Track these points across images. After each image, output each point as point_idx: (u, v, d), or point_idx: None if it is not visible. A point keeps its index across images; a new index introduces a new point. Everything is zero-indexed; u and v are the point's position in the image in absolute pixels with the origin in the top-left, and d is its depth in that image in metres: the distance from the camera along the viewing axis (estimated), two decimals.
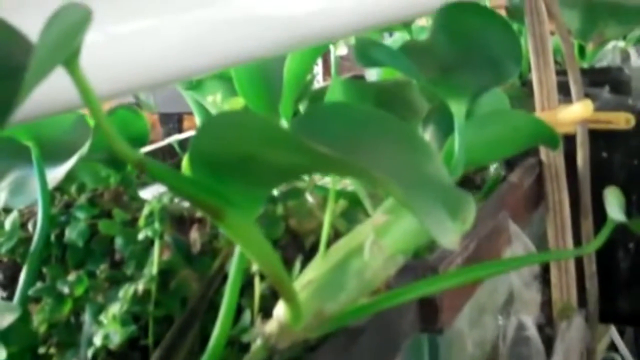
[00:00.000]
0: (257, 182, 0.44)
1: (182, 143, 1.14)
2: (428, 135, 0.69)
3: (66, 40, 0.31)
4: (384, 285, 0.58)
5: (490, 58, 0.62)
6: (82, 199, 0.72)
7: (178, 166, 1.02)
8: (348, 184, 0.80)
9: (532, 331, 0.84)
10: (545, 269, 0.93)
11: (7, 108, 0.29)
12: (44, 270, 0.69)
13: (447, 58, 0.62)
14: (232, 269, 0.51)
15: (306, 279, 0.53)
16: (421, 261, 0.64)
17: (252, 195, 0.45)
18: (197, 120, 1.10)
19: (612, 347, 1.44)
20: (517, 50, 0.62)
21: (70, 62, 0.34)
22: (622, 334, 1.45)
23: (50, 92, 0.39)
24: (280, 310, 0.52)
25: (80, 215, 0.70)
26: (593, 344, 0.99)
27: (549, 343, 0.91)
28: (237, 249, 0.52)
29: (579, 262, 0.95)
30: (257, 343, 0.53)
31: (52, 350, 0.66)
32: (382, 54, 0.62)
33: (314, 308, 0.52)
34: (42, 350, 0.65)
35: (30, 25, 0.33)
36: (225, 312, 0.52)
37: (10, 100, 0.29)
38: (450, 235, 0.45)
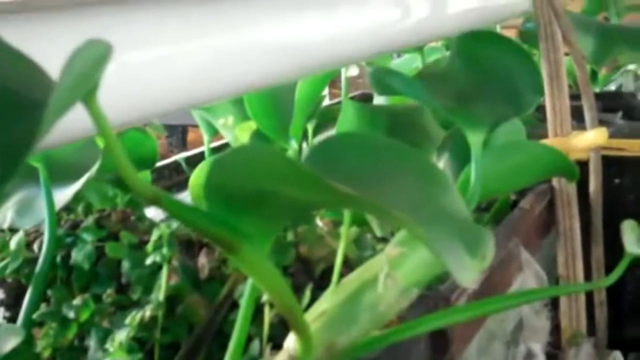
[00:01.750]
0: (272, 216, 0.43)
1: (189, 159, 1.13)
2: (442, 163, 0.68)
3: (87, 76, 0.31)
4: (396, 316, 0.57)
5: (510, 88, 0.61)
6: (89, 220, 0.71)
7: (185, 183, 1.02)
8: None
9: (541, 358, 0.83)
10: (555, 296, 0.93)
11: (29, 143, 0.28)
12: (49, 291, 0.68)
13: (465, 87, 0.62)
14: (244, 298, 0.50)
15: (318, 311, 0.52)
16: (433, 292, 0.63)
17: (267, 229, 0.44)
18: (205, 136, 1.09)
19: None
20: (538, 81, 0.61)
21: (89, 97, 0.33)
22: (625, 358, 1.44)
23: (64, 122, 0.38)
24: (291, 342, 0.51)
25: (87, 237, 0.69)
26: None
27: None
28: (249, 281, 0.51)
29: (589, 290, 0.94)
30: None
31: None
32: (398, 83, 0.61)
33: (325, 341, 0.51)
34: None
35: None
36: (236, 341, 0.51)
37: (31, 136, 0.29)
38: (469, 273, 0.44)
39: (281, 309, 0.48)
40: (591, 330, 0.95)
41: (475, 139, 0.60)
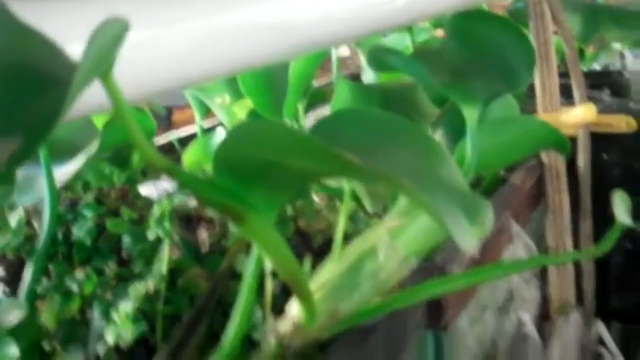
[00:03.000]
0: (278, 187, 0.45)
1: (181, 139, 1.14)
2: (437, 138, 0.69)
3: (106, 54, 0.32)
4: (395, 285, 0.59)
5: (504, 65, 0.62)
6: (89, 197, 0.72)
7: (177, 161, 1.03)
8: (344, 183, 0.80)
9: (531, 328, 0.85)
10: (544, 267, 0.94)
11: (54, 117, 0.30)
12: (50, 267, 0.69)
13: (460, 64, 0.63)
14: (249, 268, 0.52)
15: (321, 280, 0.54)
16: (430, 263, 0.64)
17: (273, 200, 0.45)
18: (197, 116, 1.10)
19: (600, 341, 1.46)
20: (531, 57, 0.62)
21: (106, 74, 0.34)
22: (609, 328, 1.47)
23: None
24: (295, 309, 0.53)
25: (88, 213, 0.70)
26: (588, 339, 1.00)
27: (546, 339, 0.92)
28: (254, 250, 0.53)
29: (577, 261, 0.96)
30: (271, 342, 0.53)
31: (57, 347, 0.66)
32: (396, 60, 0.62)
33: (328, 308, 0.53)
34: (47, 346, 0.66)
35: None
36: (242, 310, 0.52)
37: (57, 110, 0.30)
38: (469, 239, 0.45)
39: (286, 277, 0.50)
40: (579, 300, 0.97)
41: (470, 113, 0.61)
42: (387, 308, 0.56)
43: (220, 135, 0.99)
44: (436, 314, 0.65)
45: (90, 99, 0.40)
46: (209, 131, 1.06)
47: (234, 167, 0.43)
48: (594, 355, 1.43)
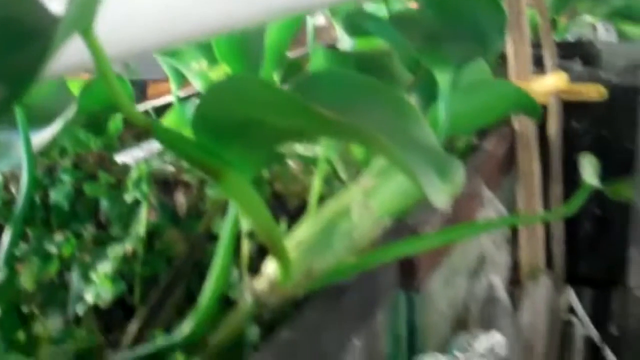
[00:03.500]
0: (256, 144, 0.46)
1: (157, 109, 1.15)
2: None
3: (89, 9, 0.32)
4: (369, 245, 0.60)
5: (476, 30, 0.63)
6: (67, 162, 0.73)
7: None
8: (318, 149, 0.81)
9: (501, 291, 0.87)
10: (515, 232, 0.97)
11: (37, 68, 0.30)
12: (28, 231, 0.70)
13: (434, 30, 0.64)
14: (225, 228, 0.53)
15: (297, 239, 0.55)
16: (402, 223, 0.66)
17: (251, 157, 0.46)
18: (173, 85, 1.10)
19: (570, 309, 1.49)
20: (502, 22, 0.63)
21: (87, 29, 0.35)
22: (579, 296, 1.50)
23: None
24: (271, 268, 0.54)
25: (66, 177, 0.71)
26: (557, 303, 1.02)
27: (516, 302, 0.94)
28: (231, 211, 0.54)
29: (547, 226, 0.98)
30: (247, 299, 0.54)
31: (35, 309, 0.67)
32: (372, 25, 0.63)
33: (303, 266, 0.54)
34: (26, 309, 0.66)
35: None
36: (219, 269, 0.53)
37: (39, 62, 0.30)
38: (442, 196, 0.47)
39: (263, 235, 0.51)
40: (549, 265, 0.99)
41: (443, 77, 0.62)
42: (360, 267, 0.57)
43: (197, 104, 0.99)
44: (409, 274, 0.67)
45: (71, 57, 0.40)
46: (185, 100, 1.06)
47: (212, 124, 0.44)
48: (564, 321, 1.47)
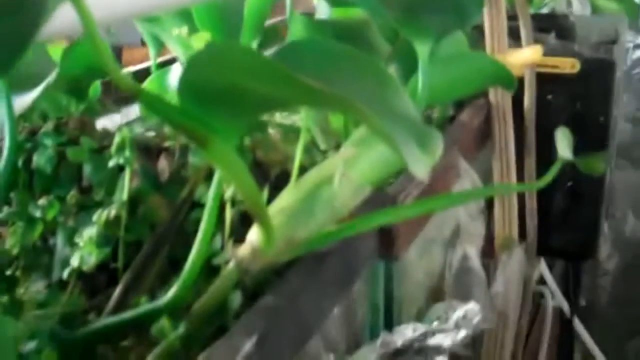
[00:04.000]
0: (241, 111, 0.47)
1: (135, 74, 1.15)
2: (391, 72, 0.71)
3: None
4: (349, 214, 0.62)
5: (455, 2, 0.65)
6: (49, 126, 0.73)
7: (131, 97, 1.03)
8: (297, 119, 0.82)
9: (476, 262, 0.88)
10: (490, 204, 0.98)
11: (32, 31, 0.31)
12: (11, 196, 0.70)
13: (413, 0, 0.65)
14: (210, 194, 0.54)
15: (279, 207, 0.56)
16: (382, 193, 0.67)
17: (236, 124, 0.47)
18: (151, 51, 1.10)
19: (541, 281, 1.52)
20: None
21: None
22: (550, 268, 1.53)
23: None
24: (254, 235, 0.55)
25: (48, 142, 0.71)
26: (530, 274, 1.05)
27: (490, 273, 0.96)
28: (216, 178, 0.54)
29: (521, 198, 1.00)
30: (230, 266, 0.56)
31: (20, 273, 0.67)
32: None
33: (285, 234, 0.55)
34: (9, 273, 0.67)
35: None
36: (203, 235, 0.54)
37: (33, 25, 0.31)
38: (422, 166, 0.48)
39: (247, 202, 0.52)
40: (522, 237, 1.01)
41: (422, 48, 0.63)
42: (340, 235, 0.59)
43: (177, 70, 1.00)
44: (388, 243, 0.68)
45: (59, 21, 0.41)
46: (163, 66, 1.06)
47: (197, 90, 0.45)
48: (535, 292, 1.50)
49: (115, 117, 0.92)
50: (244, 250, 0.55)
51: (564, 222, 1.07)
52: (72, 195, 0.67)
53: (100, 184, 0.68)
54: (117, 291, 0.62)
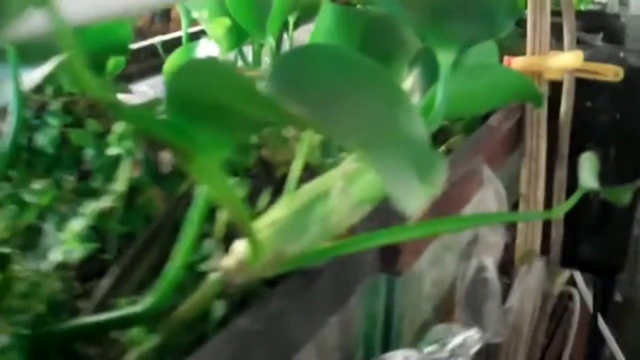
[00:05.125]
0: (228, 129, 0.44)
1: (166, 43, 1.12)
2: (413, 77, 0.68)
3: None
4: (348, 230, 0.59)
5: (486, 9, 0.60)
6: (56, 104, 0.71)
7: (160, 67, 1.01)
8: None
9: (492, 273, 0.85)
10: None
11: None
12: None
13: (440, 4, 0.61)
14: (199, 194, 0.51)
15: (271, 218, 0.54)
16: (387, 207, 0.63)
17: (222, 142, 0.45)
18: (183, 21, 1.08)
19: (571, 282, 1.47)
20: (514, 3, 0.60)
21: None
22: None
23: None
24: (240, 245, 0.53)
25: (53, 121, 0.69)
26: (551, 289, 1.00)
27: (507, 286, 0.93)
28: None
29: (547, 208, 0.95)
30: (214, 277, 0.53)
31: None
32: None
33: (275, 248, 0.53)
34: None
35: None
36: (188, 239, 0.52)
37: None
38: (415, 200, 0.45)
39: (232, 217, 0.49)
40: (544, 249, 0.97)
41: (445, 58, 0.59)
42: (335, 252, 0.56)
43: (203, 46, 0.97)
44: (391, 258, 0.65)
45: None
46: (195, 37, 1.04)
47: (183, 104, 0.42)
48: (563, 294, 1.45)
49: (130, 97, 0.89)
50: (229, 261, 0.53)
51: (593, 234, 1.02)
52: (69, 181, 0.65)
53: (100, 170, 0.66)
54: (105, 283, 0.60)
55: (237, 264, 0.52)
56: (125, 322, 0.53)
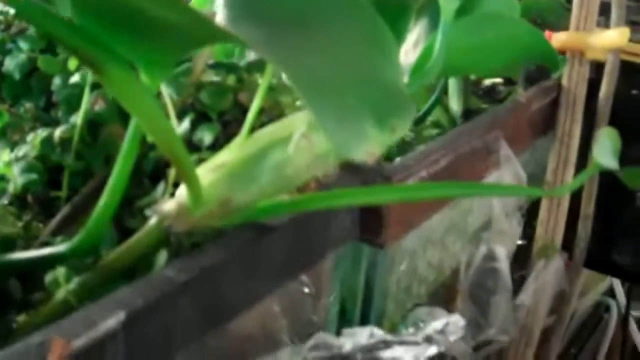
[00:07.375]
0: (143, 37, 0.37)
1: None
2: (420, 26, 0.60)
3: None
4: (316, 185, 0.52)
5: None
6: (32, 28, 0.65)
7: None
8: None
9: (503, 264, 0.77)
10: (536, 202, 0.85)
11: None
12: None
13: None
14: (129, 131, 0.45)
15: (219, 162, 0.47)
16: (370, 167, 0.56)
17: (139, 52, 0.38)
18: None
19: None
20: None
21: None
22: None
23: None
24: (182, 189, 0.46)
25: (24, 45, 0.64)
26: (571, 289, 0.91)
27: (521, 280, 0.84)
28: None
29: (575, 201, 0.86)
30: (152, 221, 0.47)
31: None
32: None
33: (219, 195, 0.46)
34: None
35: None
36: (116, 178, 0.45)
37: None
38: (364, 145, 0.38)
39: (162, 148, 0.43)
40: (566, 246, 0.87)
41: (446, 4, 0.52)
42: (293, 208, 0.49)
43: None
44: (373, 227, 0.58)
45: None
46: None
47: (93, 7, 0.36)
48: (599, 303, 1.35)
49: None
50: (169, 206, 0.46)
51: (629, 236, 0.92)
52: (28, 109, 0.60)
53: (65, 101, 0.60)
54: (54, 222, 0.55)
55: (178, 210, 0.46)
56: (51, 262, 0.48)
